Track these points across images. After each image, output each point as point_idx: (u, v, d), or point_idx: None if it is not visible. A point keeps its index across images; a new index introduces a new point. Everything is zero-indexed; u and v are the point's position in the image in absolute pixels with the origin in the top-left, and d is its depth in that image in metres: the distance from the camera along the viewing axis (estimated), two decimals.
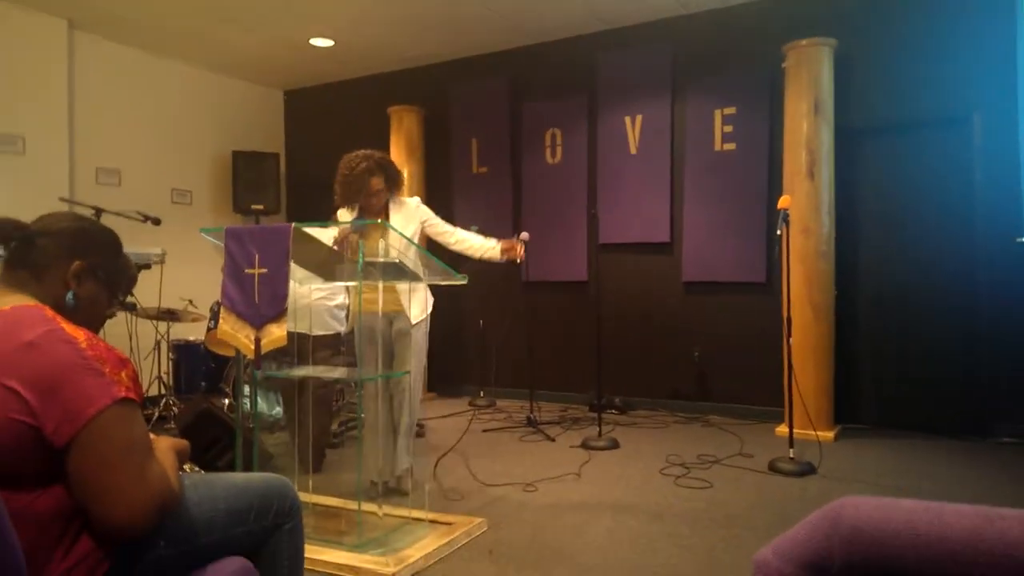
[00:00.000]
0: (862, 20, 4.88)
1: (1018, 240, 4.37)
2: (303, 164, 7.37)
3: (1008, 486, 3.56)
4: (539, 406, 5.40)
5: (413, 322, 3.34)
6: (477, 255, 3.45)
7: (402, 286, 3.28)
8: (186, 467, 1.67)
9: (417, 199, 3.55)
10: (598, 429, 4.54)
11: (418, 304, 3.37)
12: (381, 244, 3.17)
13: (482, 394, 5.91)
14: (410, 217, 3.44)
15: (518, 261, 3.43)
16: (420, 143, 6.34)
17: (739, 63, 5.28)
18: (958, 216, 4.66)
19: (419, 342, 3.39)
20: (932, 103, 4.70)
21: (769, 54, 4.97)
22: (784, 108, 4.83)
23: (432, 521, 2.94)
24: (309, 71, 6.87)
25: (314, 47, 6.16)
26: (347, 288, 4.05)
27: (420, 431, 4.87)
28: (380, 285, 3.09)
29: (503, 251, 3.38)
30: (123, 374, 1.25)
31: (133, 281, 1.53)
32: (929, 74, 4.70)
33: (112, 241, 1.49)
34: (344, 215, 3.42)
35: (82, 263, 1.39)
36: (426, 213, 3.51)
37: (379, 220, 3.32)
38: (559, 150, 6.02)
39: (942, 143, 4.74)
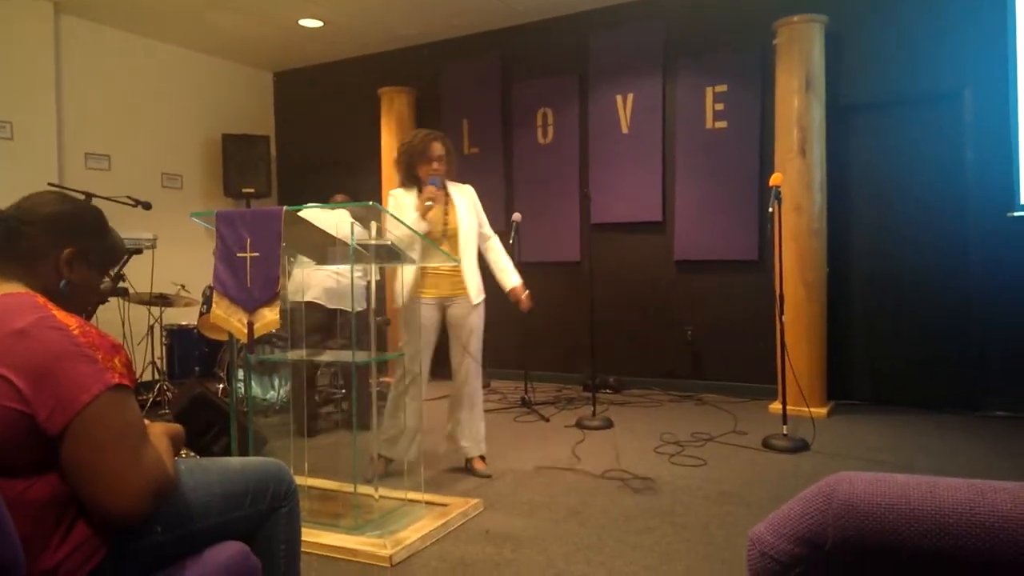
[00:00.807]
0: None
1: (1009, 215, 4.38)
2: (294, 146, 7.31)
3: (1000, 459, 3.61)
4: (533, 387, 5.42)
5: (475, 302, 3.38)
6: (495, 274, 3.55)
7: (467, 268, 3.33)
8: (181, 452, 1.66)
9: (471, 188, 3.53)
10: (592, 409, 4.56)
11: (477, 285, 3.40)
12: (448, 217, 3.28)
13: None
14: (470, 203, 3.45)
15: (522, 309, 3.54)
16: (411, 124, 6.29)
17: (730, 41, 5.25)
18: (949, 192, 4.67)
19: (480, 323, 3.44)
20: (923, 79, 4.69)
21: (760, 31, 4.94)
22: (775, 85, 4.81)
23: (428, 503, 2.95)
24: (299, 52, 6.79)
25: (304, 28, 6.08)
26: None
27: None
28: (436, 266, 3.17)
29: (510, 292, 3.50)
30: (116, 360, 1.24)
31: (122, 255, 1.52)
32: (920, 50, 4.68)
33: (98, 220, 1.46)
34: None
35: (72, 249, 1.37)
36: (479, 205, 3.51)
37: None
38: (551, 129, 5.98)
39: (933, 119, 4.73)
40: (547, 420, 4.65)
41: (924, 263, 4.76)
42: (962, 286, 4.62)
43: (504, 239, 5.15)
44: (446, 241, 3.35)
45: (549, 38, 5.99)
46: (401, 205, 3.31)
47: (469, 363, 3.43)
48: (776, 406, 4.47)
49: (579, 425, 4.43)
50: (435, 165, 3.31)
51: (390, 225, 3.04)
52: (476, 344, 3.43)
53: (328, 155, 6.96)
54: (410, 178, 3.38)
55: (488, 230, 3.55)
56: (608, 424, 4.44)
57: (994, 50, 4.45)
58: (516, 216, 5.15)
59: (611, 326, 5.60)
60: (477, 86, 6.27)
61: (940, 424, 4.32)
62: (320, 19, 5.91)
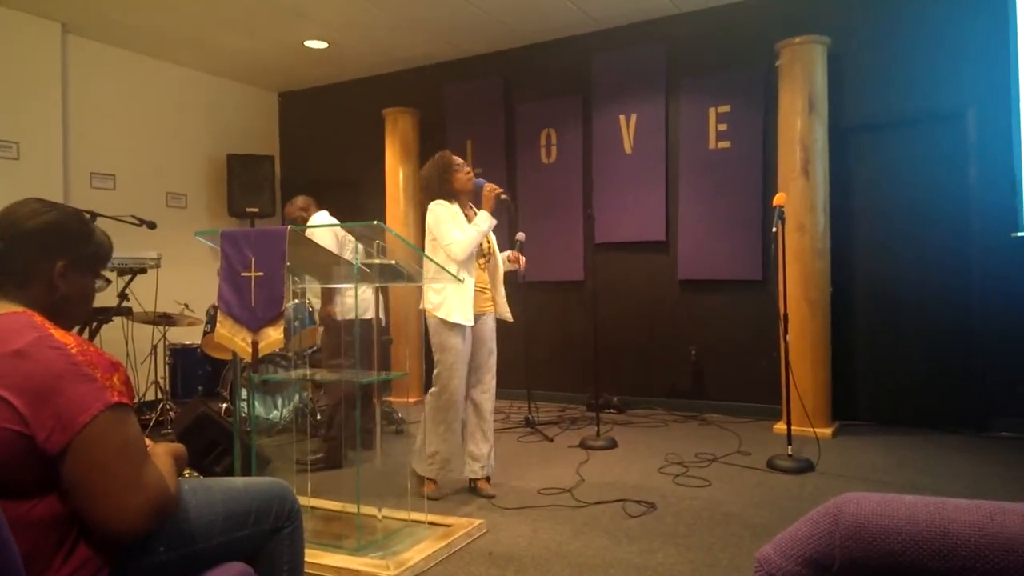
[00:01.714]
0: (855, 18, 4.89)
1: (1013, 236, 4.38)
2: (298, 167, 7.36)
3: (1005, 480, 3.57)
4: (537, 406, 5.40)
5: (509, 318, 3.50)
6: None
7: (500, 287, 3.47)
8: (184, 472, 1.66)
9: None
10: (596, 429, 4.54)
11: (505, 302, 3.51)
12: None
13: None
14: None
15: (520, 269, 3.62)
16: (415, 145, 6.34)
17: (733, 61, 5.29)
18: (953, 212, 4.67)
19: (494, 340, 3.51)
20: (926, 99, 4.71)
21: (763, 52, 4.98)
22: (778, 106, 4.84)
23: (431, 523, 2.93)
24: (304, 73, 6.86)
25: (309, 49, 6.15)
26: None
27: (400, 427, 4.88)
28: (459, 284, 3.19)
29: (509, 261, 3.58)
30: (115, 378, 1.24)
31: (110, 251, 1.50)
32: (922, 70, 4.71)
33: (82, 225, 1.43)
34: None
35: (64, 261, 1.36)
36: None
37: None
38: (554, 150, 6.02)
39: (936, 139, 4.75)
40: (551, 440, 4.63)
41: (927, 283, 4.75)
42: (966, 306, 4.61)
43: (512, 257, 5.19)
44: (484, 259, 3.44)
45: (552, 59, 6.04)
46: (454, 214, 3.32)
47: (489, 382, 3.47)
48: (780, 426, 4.44)
49: (583, 445, 4.41)
50: (465, 170, 3.39)
51: (447, 234, 3.14)
52: (494, 364, 3.49)
53: (332, 175, 7.00)
54: (444, 192, 3.38)
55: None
56: (612, 444, 4.41)
57: (997, 70, 4.47)
58: (520, 236, 5.14)
59: (615, 345, 5.59)
60: (481, 107, 6.31)
61: (945, 444, 4.29)
62: (325, 40, 5.97)
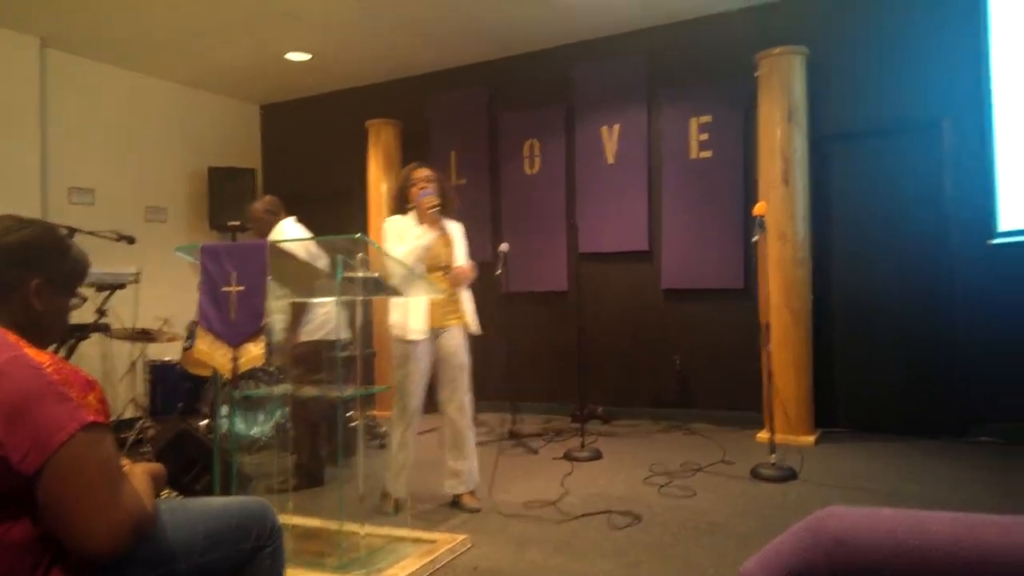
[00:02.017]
0: (833, 28, 4.96)
1: (989, 243, 4.44)
2: (280, 179, 7.31)
3: (987, 486, 3.60)
4: (521, 418, 5.38)
5: (474, 331, 3.45)
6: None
7: (464, 298, 3.42)
8: (163, 492, 1.64)
9: (461, 225, 3.57)
10: (581, 440, 4.53)
11: (473, 315, 3.46)
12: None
13: None
14: (461, 237, 3.52)
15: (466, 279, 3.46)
16: (398, 156, 6.33)
17: (713, 72, 5.34)
18: (930, 220, 4.73)
19: (468, 355, 3.46)
20: (902, 109, 4.78)
21: (742, 63, 5.03)
22: (758, 116, 4.89)
23: (415, 540, 2.91)
24: (286, 85, 6.84)
25: (291, 61, 6.14)
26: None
27: (383, 441, 4.84)
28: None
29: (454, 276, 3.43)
30: (90, 397, 1.23)
31: (87, 269, 1.48)
32: (899, 81, 4.79)
33: (57, 239, 1.42)
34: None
35: (39, 279, 1.35)
36: (464, 240, 3.55)
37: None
38: (537, 160, 6.04)
39: (913, 148, 4.81)
40: (535, 452, 4.62)
41: (906, 291, 4.80)
42: (945, 313, 4.66)
43: (491, 269, 5.20)
44: (441, 271, 3.38)
45: (535, 70, 6.07)
46: (402, 229, 3.34)
47: (460, 397, 3.42)
48: (764, 435, 4.46)
49: (568, 457, 4.40)
50: (420, 185, 3.37)
51: (388, 251, 3.07)
52: (466, 378, 3.44)
53: (315, 187, 6.97)
54: (403, 207, 3.43)
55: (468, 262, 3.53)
56: (597, 455, 4.41)
57: (971, 81, 4.55)
58: (504, 246, 5.17)
59: (599, 356, 5.60)
60: (464, 118, 6.33)
61: (926, 451, 4.33)
62: (308, 52, 5.96)
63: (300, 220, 4.25)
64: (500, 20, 5.38)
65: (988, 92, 4.46)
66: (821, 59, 4.90)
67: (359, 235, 2.54)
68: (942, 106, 4.66)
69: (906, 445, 4.48)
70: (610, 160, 5.71)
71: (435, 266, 3.36)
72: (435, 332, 3.36)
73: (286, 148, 7.34)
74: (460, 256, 3.45)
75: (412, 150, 6.32)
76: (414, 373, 3.30)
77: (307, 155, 7.17)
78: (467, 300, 3.46)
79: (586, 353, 5.00)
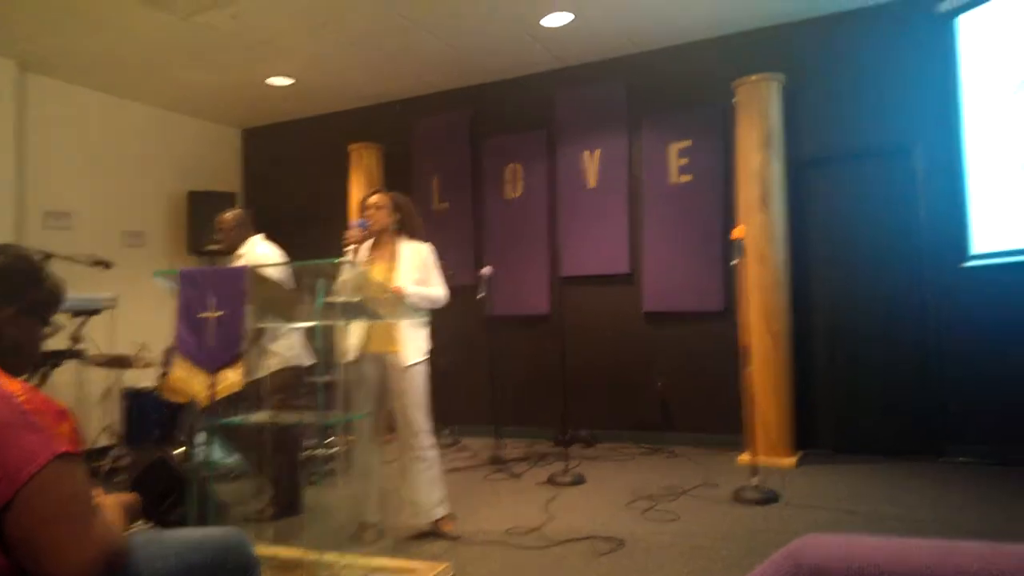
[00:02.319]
0: (808, 56, 5.06)
1: (961, 266, 4.51)
2: (262, 204, 7.28)
3: (965, 506, 3.63)
4: (505, 443, 5.35)
5: (408, 363, 3.29)
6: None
7: (402, 327, 3.31)
8: (139, 522, 1.61)
9: (429, 247, 3.48)
10: (564, 464, 4.51)
11: (413, 345, 3.33)
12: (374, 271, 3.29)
13: (447, 432, 5.84)
14: (418, 262, 3.42)
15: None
16: (380, 180, 6.33)
17: (692, 98, 5.42)
18: (904, 243, 4.81)
19: (417, 385, 3.32)
20: (876, 134, 4.87)
21: (720, 89, 5.11)
22: (736, 141, 4.96)
23: (395, 569, 2.86)
24: (268, 109, 6.84)
25: (272, 85, 6.14)
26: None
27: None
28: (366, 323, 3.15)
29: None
30: (63, 426, 1.21)
31: (62, 296, 1.45)
32: (872, 106, 4.88)
33: (31, 267, 1.40)
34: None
35: (12, 307, 1.33)
36: (429, 263, 3.45)
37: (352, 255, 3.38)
38: (520, 185, 6.07)
39: (887, 173, 4.90)
40: (518, 477, 4.58)
41: (883, 313, 4.86)
42: (920, 334, 4.72)
43: (474, 293, 5.20)
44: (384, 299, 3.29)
45: (517, 95, 6.13)
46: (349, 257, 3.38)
47: (404, 430, 3.34)
48: (746, 457, 4.47)
49: (551, 482, 4.37)
50: (367, 212, 3.40)
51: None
52: (412, 410, 3.30)
53: (297, 212, 6.95)
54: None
55: (434, 289, 3.41)
56: (580, 480, 4.38)
57: (941, 106, 4.64)
58: (486, 270, 5.17)
59: (582, 379, 5.59)
60: (447, 142, 6.36)
61: (905, 472, 4.35)
62: (290, 77, 5.98)
63: (282, 243, 4.21)
64: (482, 46, 5.44)
65: (958, 117, 4.55)
66: (797, 86, 4.99)
67: (341, 258, 2.53)
68: (914, 131, 4.76)
69: (886, 466, 4.50)
70: (591, 184, 5.76)
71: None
72: (382, 356, 3.34)
73: (267, 172, 7.32)
74: (400, 279, 3.32)
75: (395, 174, 6.35)
76: (363, 389, 3.31)
77: (289, 179, 7.16)
78: (406, 331, 3.30)
79: (569, 376, 5.00)
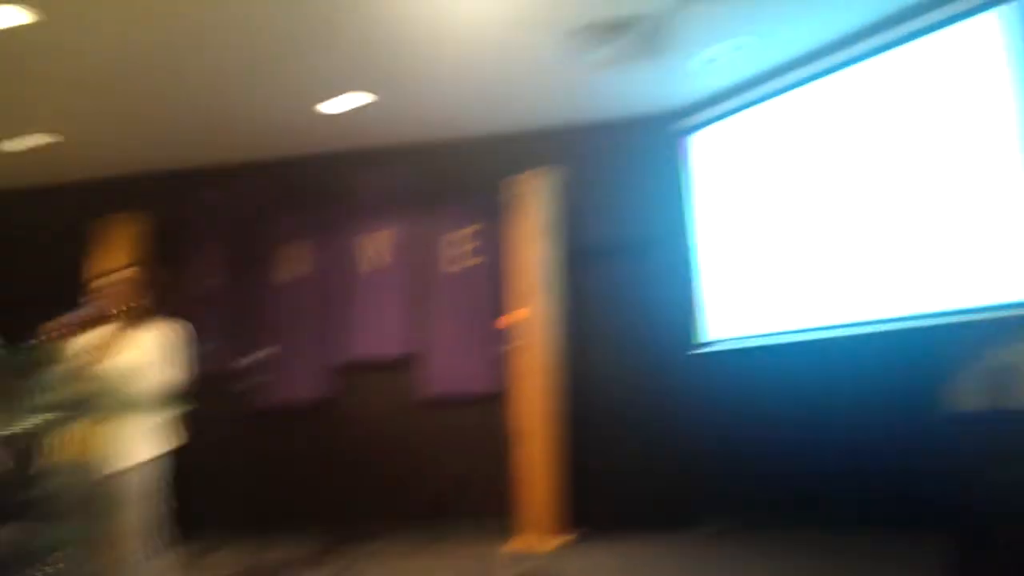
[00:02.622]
0: (580, 156, 5.48)
1: (688, 353, 5.07)
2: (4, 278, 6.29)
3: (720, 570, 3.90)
4: (270, 548, 4.85)
5: (130, 464, 2.87)
6: None
7: (128, 421, 2.87)
8: None
9: (178, 328, 3.13)
10: (336, 567, 4.18)
11: (137, 443, 2.91)
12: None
13: (205, 539, 5.22)
14: (155, 345, 3.02)
15: None
16: (145, 254, 5.76)
17: (472, 188, 5.62)
18: (654, 331, 5.26)
19: (141, 490, 2.89)
20: (633, 231, 5.41)
21: (498, 180, 5.35)
22: (515, 231, 5.18)
23: None
24: (11, 173, 6.01)
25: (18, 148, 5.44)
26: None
27: None
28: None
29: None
30: None
31: None
32: (630, 206, 5.41)
33: None
34: None
35: None
36: (174, 347, 3.08)
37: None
38: (302, 265, 5.85)
39: (641, 266, 5.38)
40: None
41: (639, 395, 5.23)
42: (668, 416, 5.12)
43: (242, 379, 4.77)
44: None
45: (301, 174, 5.96)
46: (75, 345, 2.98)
47: (125, 537, 2.88)
48: (525, 539, 4.46)
49: None
50: (102, 291, 3.07)
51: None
52: (135, 516, 2.88)
53: (41, 289, 6.08)
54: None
55: (174, 374, 3.06)
56: None
57: (679, 210, 5.28)
58: (259, 355, 4.83)
59: (359, 469, 5.32)
60: (220, 217, 5.99)
61: (667, 544, 4.58)
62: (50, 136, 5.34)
63: (12, 328, 3.59)
64: (266, 124, 5.27)
65: (690, 221, 5.20)
66: (571, 181, 5.36)
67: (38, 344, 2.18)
68: (659, 230, 5.35)
69: (650, 541, 4.69)
70: (375, 267, 5.70)
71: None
72: (98, 461, 2.87)
73: (5, 243, 6.35)
74: (138, 364, 2.96)
75: (162, 247, 5.81)
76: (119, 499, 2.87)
77: (31, 252, 6.24)
78: (133, 424, 2.92)
79: (346, 468, 4.73)
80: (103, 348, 2.94)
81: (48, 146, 5.48)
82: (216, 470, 3.18)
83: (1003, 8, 3.65)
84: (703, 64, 4.61)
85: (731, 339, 4.93)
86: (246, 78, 4.54)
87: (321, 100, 4.91)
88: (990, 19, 3.71)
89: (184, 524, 3.12)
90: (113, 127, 5.24)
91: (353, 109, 5.07)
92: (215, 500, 4.89)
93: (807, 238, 4.55)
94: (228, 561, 4.69)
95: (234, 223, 5.99)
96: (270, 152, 5.91)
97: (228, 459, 4.98)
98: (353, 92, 4.85)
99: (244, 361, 4.78)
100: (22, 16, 3.74)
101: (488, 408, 5.29)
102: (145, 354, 2.98)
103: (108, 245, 5.71)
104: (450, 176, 5.72)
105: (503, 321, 4.24)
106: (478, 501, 5.25)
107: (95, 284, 3.07)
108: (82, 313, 2.96)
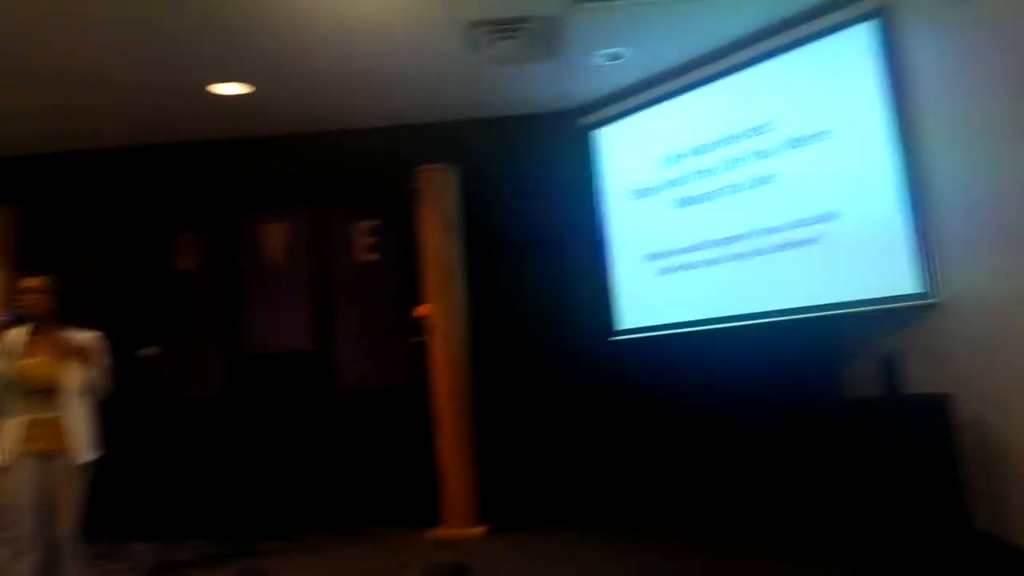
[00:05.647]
0: (482, 150, 5.49)
1: (608, 340, 5.26)
2: None
3: (620, 566, 4.09)
4: (179, 545, 4.65)
5: (81, 461, 3.01)
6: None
7: (72, 421, 3.00)
8: None
9: (97, 336, 3.21)
10: (245, 563, 4.09)
11: (86, 440, 3.05)
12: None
13: (105, 539, 4.93)
14: (88, 351, 3.12)
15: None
16: (15, 245, 5.31)
17: (377, 180, 5.57)
18: (563, 321, 5.43)
19: (83, 488, 3.05)
20: (539, 225, 5.50)
21: (404, 173, 5.29)
22: (419, 223, 5.19)
23: None
24: None
25: None
26: None
27: None
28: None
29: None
30: None
31: None
32: (536, 200, 5.51)
33: None
34: None
35: None
36: (99, 352, 3.18)
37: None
38: (193, 256, 5.59)
39: (550, 259, 5.52)
40: None
41: (551, 385, 5.39)
42: (579, 405, 5.31)
43: (136, 376, 4.51)
44: (51, 391, 3.02)
45: (198, 161, 5.66)
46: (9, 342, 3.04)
47: (62, 535, 2.98)
48: (437, 532, 4.53)
49: None
50: (22, 297, 3.08)
51: None
52: (73, 514, 3.01)
53: None
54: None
55: (105, 379, 3.21)
56: None
57: (588, 205, 5.42)
58: (148, 350, 4.59)
59: (266, 466, 5.19)
60: (99, 206, 5.62)
61: (581, 535, 4.69)
62: None
63: None
64: (158, 106, 4.97)
65: (600, 216, 5.39)
66: (473, 176, 5.38)
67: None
68: (569, 224, 5.48)
69: (562, 531, 4.79)
70: (276, 259, 5.55)
71: (33, 388, 3.01)
72: (46, 455, 2.98)
73: None
74: (76, 372, 3.07)
75: (34, 240, 5.39)
76: (14, 501, 2.91)
77: None
78: (77, 422, 3.05)
79: (249, 463, 4.61)
80: (41, 351, 3.03)
81: None
82: (116, 466, 3.10)
83: (867, 24, 4.06)
84: (604, 61, 4.77)
85: (644, 328, 5.13)
86: (132, 56, 4.27)
87: (211, 83, 4.69)
88: (857, 32, 4.10)
89: (89, 522, 3.05)
90: None
91: (246, 94, 4.87)
92: (117, 498, 4.64)
93: (712, 228, 4.76)
94: (137, 559, 4.46)
95: (112, 214, 5.64)
96: (165, 136, 5.56)
97: (129, 455, 4.73)
98: (238, 80, 4.68)
99: (140, 354, 4.54)
100: None
101: (401, 401, 5.28)
102: (66, 355, 3.05)
103: None
104: (352, 168, 5.63)
105: (413, 314, 4.26)
106: (393, 495, 5.25)
107: (26, 286, 3.08)
108: (15, 320, 3.04)
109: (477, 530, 4.79)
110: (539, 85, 5.09)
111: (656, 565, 3.89)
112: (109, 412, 3.31)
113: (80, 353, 3.03)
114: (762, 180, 4.52)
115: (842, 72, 4.17)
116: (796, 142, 4.37)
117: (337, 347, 5.44)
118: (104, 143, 5.60)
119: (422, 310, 4.24)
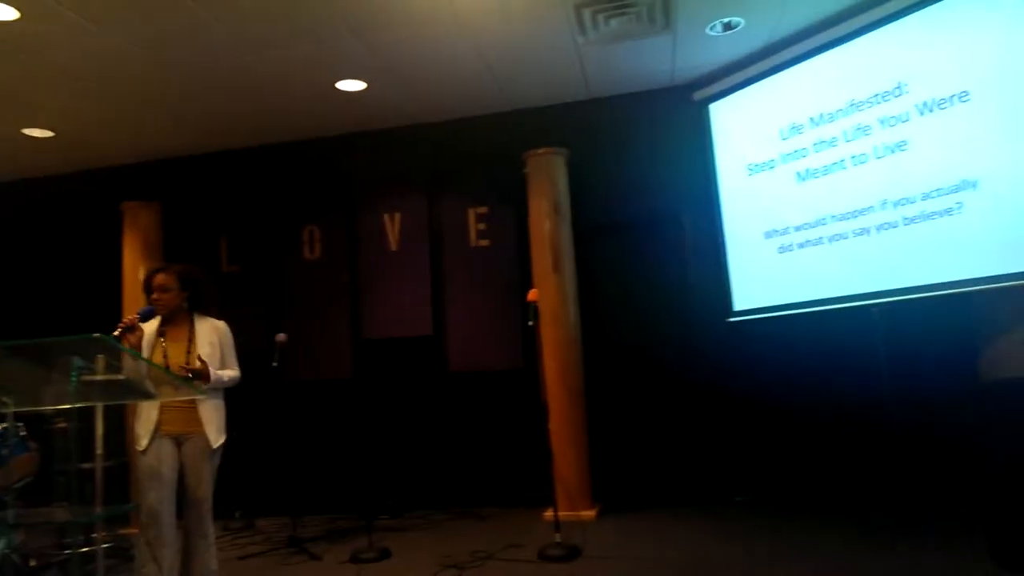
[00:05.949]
0: (590, 132, 5.47)
1: (728, 320, 5.05)
2: (10, 269, 6.37)
3: (745, 543, 3.97)
4: (304, 521, 5.00)
5: (214, 446, 3.20)
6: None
7: (206, 406, 3.19)
8: None
9: (225, 326, 3.42)
10: (368, 539, 4.29)
11: (218, 424, 3.24)
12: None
13: (238, 515, 5.35)
14: (216, 340, 3.33)
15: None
16: (158, 241, 5.82)
17: (488, 167, 5.63)
18: (678, 302, 5.29)
19: (215, 467, 3.24)
20: (651, 205, 5.36)
21: (513, 159, 5.35)
22: (529, 208, 5.21)
23: None
24: (23, 163, 6.05)
25: (29, 137, 5.47)
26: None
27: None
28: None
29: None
30: None
31: None
32: (647, 180, 5.37)
33: None
34: None
35: None
36: (226, 342, 3.38)
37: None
38: (318, 246, 5.89)
39: (662, 240, 5.40)
40: (319, 559, 4.28)
41: (665, 367, 5.28)
42: (696, 386, 5.16)
43: (268, 361, 4.85)
44: (185, 379, 3.16)
45: (316, 157, 5.99)
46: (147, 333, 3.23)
47: (194, 515, 3.19)
48: (549, 513, 4.56)
49: (354, 559, 4.13)
50: (153, 295, 3.26)
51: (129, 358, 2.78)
52: (205, 491, 3.20)
53: (57, 278, 6.17)
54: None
55: (230, 370, 3.37)
56: (386, 554, 4.19)
57: (703, 182, 5.23)
58: (280, 337, 4.90)
59: (387, 445, 5.42)
60: (234, 202, 6.04)
61: (695, 516, 4.64)
62: (49, 129, 5.37)
63: (32, 314, 3.72)
64: (279, 107, 5.27)
65: (717, 193, 5.17)
66: (581, 159, 5.36)
67: (97, 335, 2.25)
68: (681, 204, 5.31)
69: (676, 512, 4.76)
70: (393, 247, 5.74)
71: (168, 376, 3.15)
72: (177, 438, 3.19)
73: (20, 231, 6.44)
74: (207, 359, 3.25)
75: (175, 234, 5.88)
76: (147, 484, 3.10)
77: (48, 239, 6.35)
78: (210, 408, 3.22)
79: (374, 443, 4.82)
80: (173, 339, 3.23)
81: (57, 136, 5.51)
82: (245, 446, 3.35)
83: None
84: (718, 32, 4.58)
85: (763, 308, 4.89)
86: (261, 55, 4.52)
87: (337, 80, 4.90)
88: None
89: (217, 500, 3.28)
90: (112, 117, 5.25)
91: (362, 89, 5.06)
92: (245, 477, 4.99)
93: (835, 202, 4.45)
94: (263, 536, 4.82)
95: (243, 208, 6.04)
96: (284, 135, 5.91)
97: (259, 437, 5.06)
98: (359, 76, 4.84)
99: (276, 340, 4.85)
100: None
101: (515, 383, 5.34)
102: (208, 346, 3.26)
103: (128, 233, 5.76)
104: (462, 156, 5.71)
105: (527, 298, 4.28)
106: (507, 476, 5.34)
107: (154, 285, 3.25)
108: (148, 318, 3.21)
109: (590, 511, 4.78)
110: (650, 61, 4.95)
111: (773, 549, 3.73)
112: (246, 394, 3.57)
113: (198, 376, 3.14)
114: (890, 148, 4.17)
115: (987, 26, 3.78)
116: (930, 105, 4.00)
117: (451, 332, 5.56)
118: (237, 144, 6.02)
119: (533, 295, 4.26)
